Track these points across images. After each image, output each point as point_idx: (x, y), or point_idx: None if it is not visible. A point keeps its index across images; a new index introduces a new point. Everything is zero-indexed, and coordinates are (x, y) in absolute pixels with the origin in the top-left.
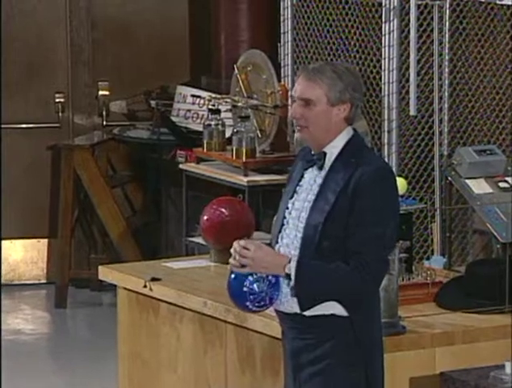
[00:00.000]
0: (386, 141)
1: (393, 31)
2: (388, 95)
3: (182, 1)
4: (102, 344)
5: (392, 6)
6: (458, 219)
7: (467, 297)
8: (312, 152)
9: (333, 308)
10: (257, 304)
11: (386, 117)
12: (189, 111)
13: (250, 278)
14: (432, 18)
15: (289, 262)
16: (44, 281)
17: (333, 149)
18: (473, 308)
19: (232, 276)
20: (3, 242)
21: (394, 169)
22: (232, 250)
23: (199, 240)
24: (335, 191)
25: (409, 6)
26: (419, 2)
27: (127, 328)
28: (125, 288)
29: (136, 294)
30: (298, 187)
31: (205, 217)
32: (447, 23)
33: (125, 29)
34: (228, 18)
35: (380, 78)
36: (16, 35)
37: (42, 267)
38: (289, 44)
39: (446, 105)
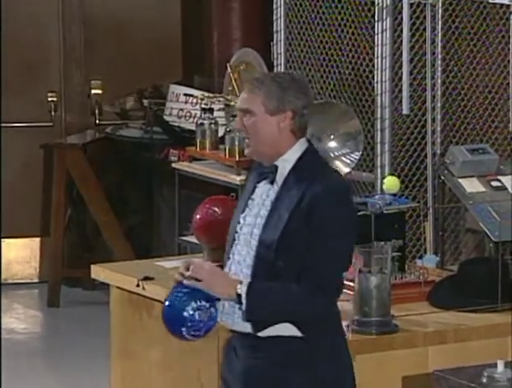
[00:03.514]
0: (379, 139)
1: (386, 29)
2: (381, 94)
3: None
4: (94, 343)
5: (384, 5)
6: (450, 218)
7: (459, 296)
8: (265, 164)
9: (289, 329)
10: (192, 332)
11: (379, 116)
12: (182, 110)
13: (194, 304)
14: (425, 17)
15: (240, 283)
16: (36, 280)
17: (285, 163)
18: (466, 307)
19: (167, 302)
20: None
21: (387, 168)
22: (183, 267)
23: (192, 239)
24: (289, 208)
25: (402, 5)
26: (412, 1)
27: (119, 327)
28: (118, 287)
29: (129, 293)
30: (250, 201)
31: (198, 216)
32: (440, 22)
33: (118, 28)
34: (220, 17)
35: (373, 77)
36: (9, 34)
37: (34, 266)
38: (282, 42)
39: (438, 104)
